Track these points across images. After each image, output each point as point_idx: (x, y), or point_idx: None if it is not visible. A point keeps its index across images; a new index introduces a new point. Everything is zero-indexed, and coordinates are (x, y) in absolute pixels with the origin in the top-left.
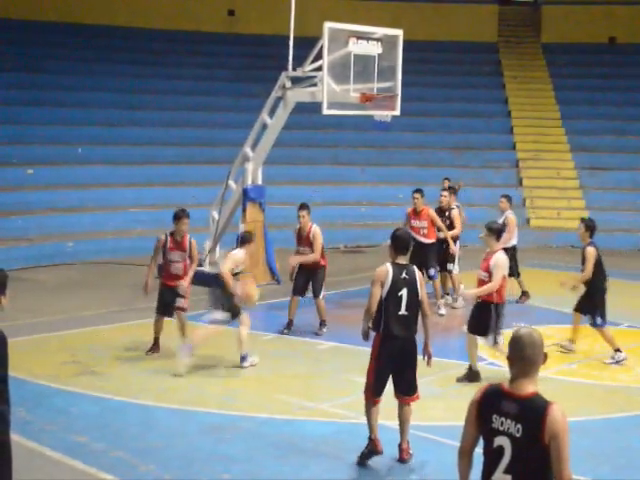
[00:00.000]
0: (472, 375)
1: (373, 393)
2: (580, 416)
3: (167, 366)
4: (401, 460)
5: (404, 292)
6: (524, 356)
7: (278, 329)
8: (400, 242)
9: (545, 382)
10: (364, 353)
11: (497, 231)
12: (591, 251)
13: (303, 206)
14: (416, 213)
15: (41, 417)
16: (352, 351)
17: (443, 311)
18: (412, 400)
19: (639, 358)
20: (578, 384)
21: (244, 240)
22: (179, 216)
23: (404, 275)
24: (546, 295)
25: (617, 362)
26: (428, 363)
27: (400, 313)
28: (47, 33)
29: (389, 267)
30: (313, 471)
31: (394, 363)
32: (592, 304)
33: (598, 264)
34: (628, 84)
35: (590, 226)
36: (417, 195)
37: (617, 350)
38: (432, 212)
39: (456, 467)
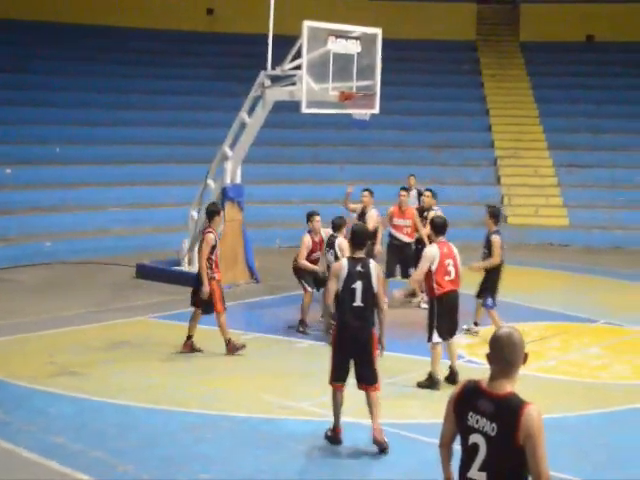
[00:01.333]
0: (451, 377)
1: (333, 379)
2: (559, 413)
3: (146, 366)
4: (375, 442)
5: (358, 285)
6: (503, 356)
7: (256, 328)
8: (356, 237)
9: (524, 379)
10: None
11: (434, 225)
12: (497, 240)
13: (316, 212)
14: (401, 212)
15: (19, 418)
16: (328, 350)
17: (425, 305)
18: (371, 390)
19: (617, 355)
20: (557, 381)
21: (336, 226)
22: (219, 211)
23: (359, 268)
24: (521, 292)
25: (467, 330)
26: (380, 354)
27: (354, 305)
28: (25, 33)
29: (344, 261)
30: (292, 470)
31: (350, 352)
32: (487, 287)
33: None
34: (606, 82)
35: (494, 214)
36: (404, 193)
37: (475, 323)
38: (415, 211)
39: (434, 464)
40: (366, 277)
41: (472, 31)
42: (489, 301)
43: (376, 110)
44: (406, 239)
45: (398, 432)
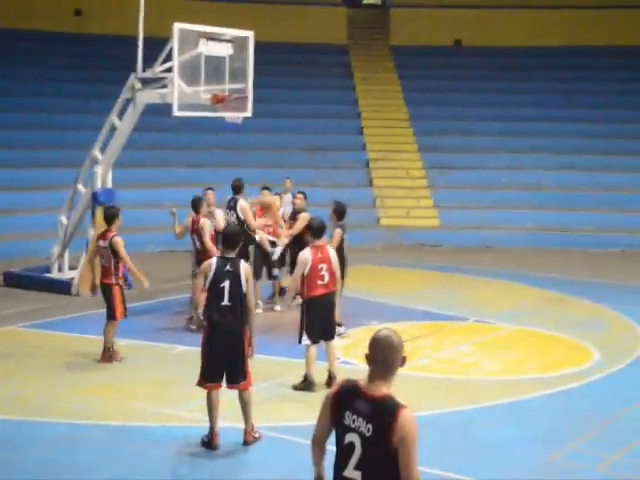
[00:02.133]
0: (329, 380)
1: (203, 378)
2: (430, 410)
3: (16, 377)
4: (245, 442)
5: (226, 284)
6: (381, 359)
7: (129, 334)
8: (228, 238)
9: (397, 378)
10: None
11: (310, 228)
12: (338, 232)
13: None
14: (263, 211)
15: None
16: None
17: (278, 307)
18: (241, 388)
19: (486, 351)
20: (429, 379)
21: (237, 188)
22: (119, 213)
23: (228, 268)
24: (394, 293)
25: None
26: (251, 355)
27: (222, 304)
28: None
29: (214, 260)
30: (166, 476)
31: (220, 351)
32: None
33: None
34: (473, 85)
35: (337, 209)
36: (267, 192)
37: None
38: (277, 211)
39: (310, 466)
40: (234, 276)
41: (343, 35)
42: None
43: (249, 113)
44: (269, 238)
45: (274, 435)
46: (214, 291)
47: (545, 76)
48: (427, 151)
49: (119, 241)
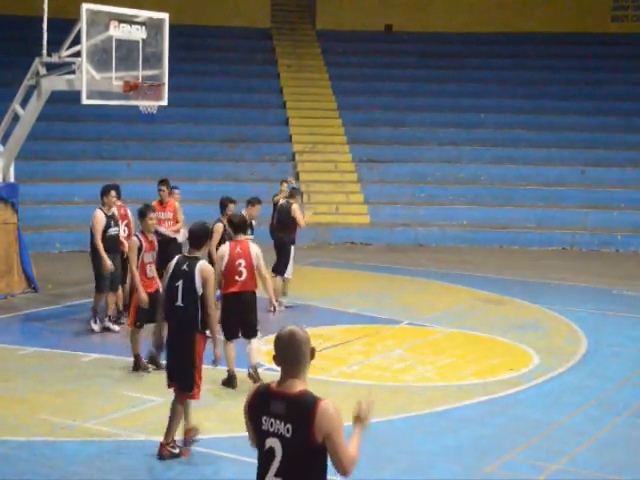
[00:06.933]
0: (228, 380)
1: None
2: None
3: None
4: (160, 456)
5: (180, 284)
6: (287, 357)
7: (36, 342)
8: (192, 237)
9: (326, 386)
10: (131, 364)
11: (230, 223)
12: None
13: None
14: (162, 206)
15: None
16: (119, 363)
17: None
18: (186, 397)
19: (420, 356)
20: (359, 386)
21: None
22: (145, 212)
23: (185, 267)
24: (323, 295)
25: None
26: (215, 363)
27: (176, 304)
28: None
29: (175, 258)
30: None
31: (171, 354)
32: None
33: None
34: (405, 73)
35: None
36: (163, 187)
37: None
38: (177, 205)
39: None
40: (189, 276)
41: (267, 18)
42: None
43: (164, 102)
44: (170, 233)
45: (197, 449)
46: (170, 290)
47: (481, 64)
48: (357, 143)
49: (129, 242)
